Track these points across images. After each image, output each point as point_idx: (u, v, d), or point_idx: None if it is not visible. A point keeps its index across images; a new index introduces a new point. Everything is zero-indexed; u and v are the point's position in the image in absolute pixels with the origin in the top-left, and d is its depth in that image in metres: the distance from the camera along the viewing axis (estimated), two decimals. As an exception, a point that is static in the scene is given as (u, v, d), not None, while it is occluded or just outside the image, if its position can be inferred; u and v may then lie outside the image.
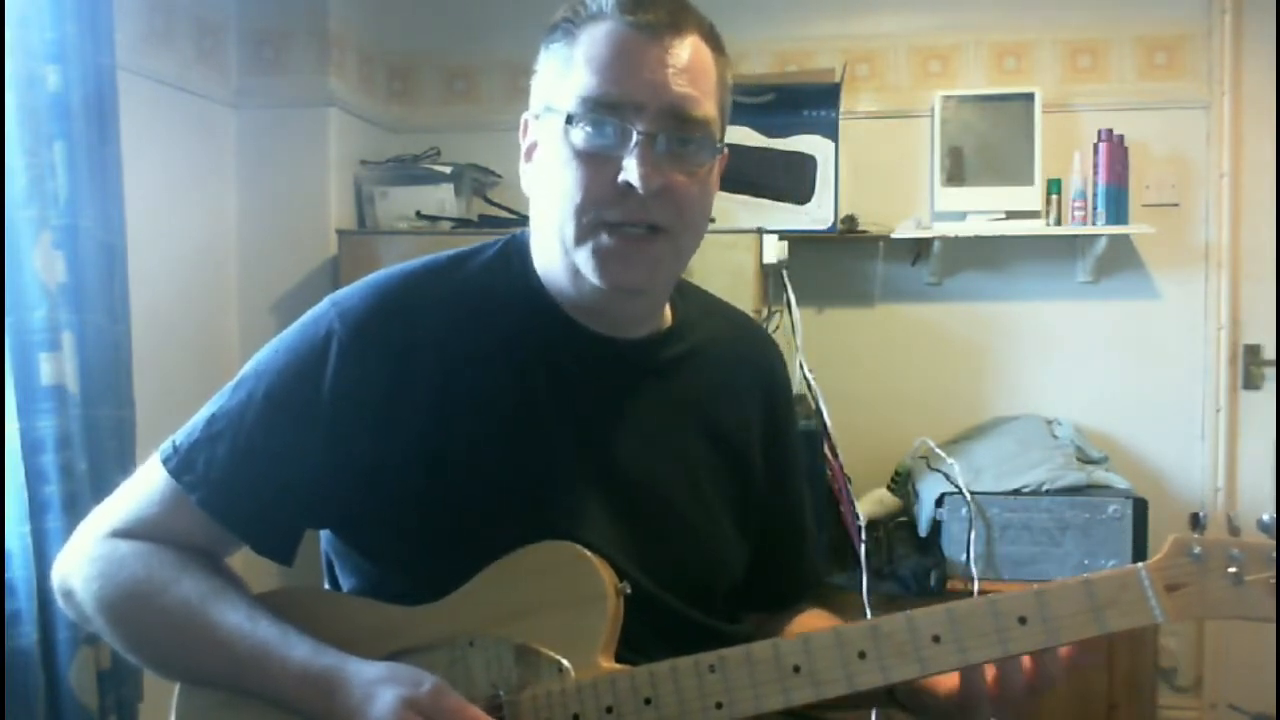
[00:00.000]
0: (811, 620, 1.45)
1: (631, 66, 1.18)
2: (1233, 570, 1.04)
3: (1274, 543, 1.03)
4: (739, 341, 1.45)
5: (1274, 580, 1.02)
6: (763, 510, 1.41)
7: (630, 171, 1.17)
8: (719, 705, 1.12)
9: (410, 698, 1.10)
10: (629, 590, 1.20)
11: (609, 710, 1.14)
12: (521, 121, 1.30)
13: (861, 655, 1.09)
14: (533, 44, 1.28)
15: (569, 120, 1.19)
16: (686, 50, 1.20)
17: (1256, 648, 3.17)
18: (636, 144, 1.17)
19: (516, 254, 1.33)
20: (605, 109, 1.18)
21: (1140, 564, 1.06)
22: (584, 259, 1.21)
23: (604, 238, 1.20)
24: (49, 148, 2.26)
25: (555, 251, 1.24)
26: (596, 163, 1.19)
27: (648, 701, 1.13)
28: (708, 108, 1.22)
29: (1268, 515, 1.03)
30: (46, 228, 2.24)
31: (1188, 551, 1.05)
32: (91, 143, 2.35)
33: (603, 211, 1.19)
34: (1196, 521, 1.07)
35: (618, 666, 1.17)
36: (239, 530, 1.25)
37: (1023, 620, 1.07)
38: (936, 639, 1.08)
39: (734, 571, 1.40)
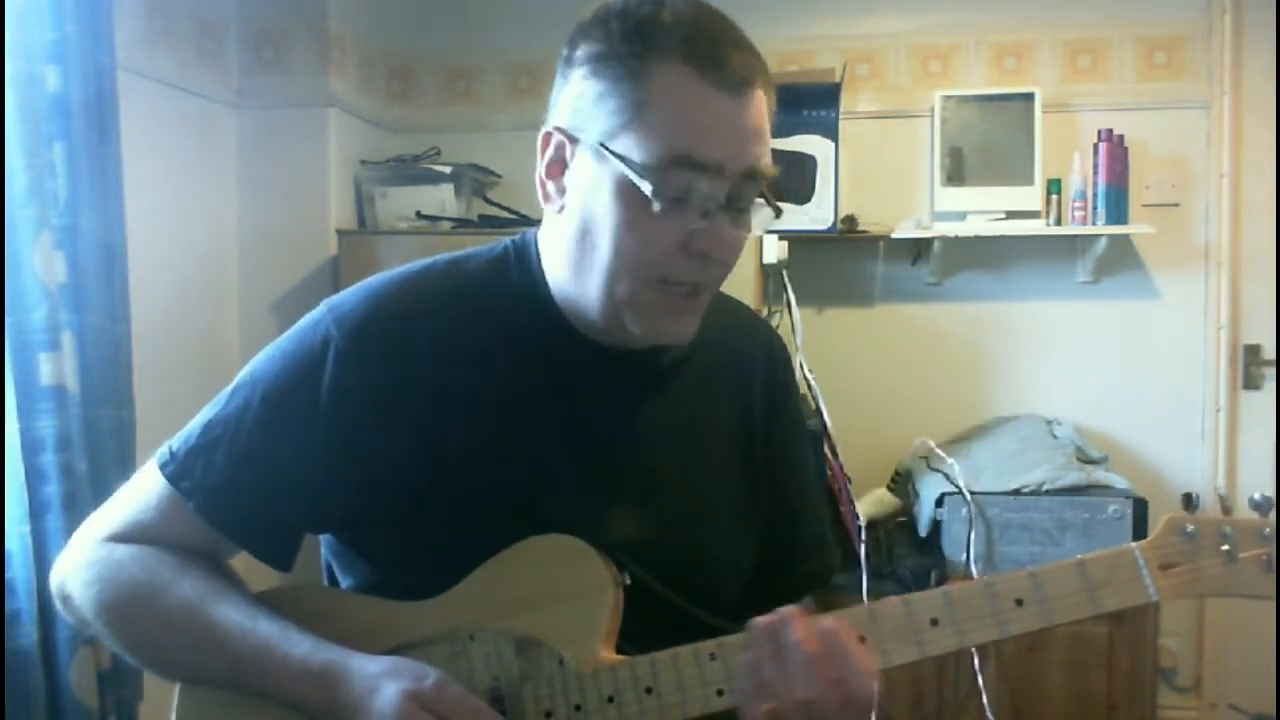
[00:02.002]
0: None
1: (715, 131, 1.14)
2: (1225, 548, 1.04)
3: (1266, 520, 1.04)
4: (737, 334, 1.44)
5: (1266, 557, 1.02)
6: (764, 502, 1.40)
7: (705, 241, 1.15)
8: (720, 692, 1.12)
9: (413, 691, 1.10)
10: (628, 581, 1.20)
11: (610, 700, 1.14)
12: (543, 134, 1.23)
13: (861, 639, 1.10)
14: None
15: (642, 180, 1.13)
16: (757, 105, 1.16)
17: (1256, 648, 3.17)
18: (711, 214, 1.14)
19: (518, 258, 1.31)
20: (686, 172, 1.13)
21: (1134, 543, 1.06)
22: (634, 314, 1.19)
23: (656, 297, 1.18)
24: (49, 148, 2.27)
25: (594, 292, 1.20)
26: (664, 226, 1.15)
27: (649, 690, 1.13)
28: (771, 161, 1.19)
29: (1259, 494, 1.03)
30: (46, 228, 2.24)
31: (1181, 530, 1.06)
32: (91, 143, 2.36)
33: (668, 272, 1.17)
34: (1190, 502, 1.07)
35: (618, 657, 1.17)
36: (237, 537, 1.25)
37: (1019, 602, 1.08)
38: (934, 622, 1.09)
39: (736, 570, 1.39)
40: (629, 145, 1.13)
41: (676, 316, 1.20)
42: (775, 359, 1.46)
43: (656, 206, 1.13)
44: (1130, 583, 1.05)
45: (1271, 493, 1.06)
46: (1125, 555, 1.06)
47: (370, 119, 3.55)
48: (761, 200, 1.19)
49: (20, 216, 2.20)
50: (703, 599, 1.32)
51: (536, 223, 1.32)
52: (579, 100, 1.18)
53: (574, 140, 1.19)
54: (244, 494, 1.23)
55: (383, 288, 1.28)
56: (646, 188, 1.12)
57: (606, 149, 1.15)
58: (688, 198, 1.13)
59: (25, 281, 2.21)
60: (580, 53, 1.18)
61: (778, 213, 1.22)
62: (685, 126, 1.13)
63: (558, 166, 1.21)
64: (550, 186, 1.22)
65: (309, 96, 3.29)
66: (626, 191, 1.14)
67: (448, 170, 3.34)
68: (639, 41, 1.14)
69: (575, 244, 1.20)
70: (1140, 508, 2.82)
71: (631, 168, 1.13)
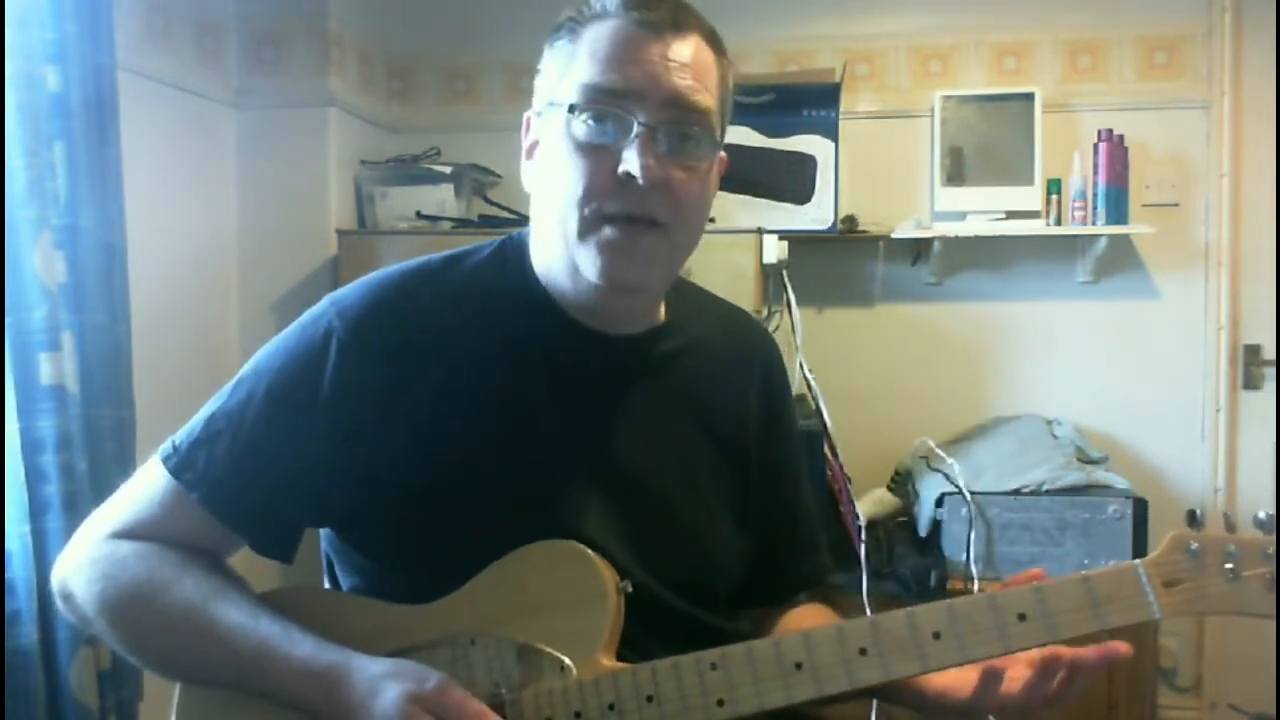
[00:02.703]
0: (805, 616, 1.44)
1: (634, 57, 1.19)
2: (1229, 566, 1.04)
3: (1269, 539, 1.03)
4: (734, 337, 1.45)
5: (1269, 576, 1.02)
6: (760, 505, 1.41)
7: (630, 162, 1.17)
8: (720, 702, 1.12)
9: (415, 693, 1.10)
10: (630, 588, 1.20)
11: (611, 708, 1.14)
12: (524, 120, 1.31)
13: (863, 652, 1.09)
14: (533, 44, 1.29)
15: (571, 111, 1.19)
16: (688, 47, 1.21)
17: (1256, 648, 3.17)
18: (637, 135, 1.18)
19: (514, 252, 1.34)
20: (607, 96, 1.19)
21: (1138, 560, 1.06)
22: (584, 255, 1.21)
23: (606, 231, 1.20)
24: (49, 148, 2.26)
25: (556, 247, 1.24)
26: (597, 154, 1.19)
27: (650, 699, 1.13)
28: (708, 100, 1.22)
29: (1264, 512, 1.03)
30: (46, 228, 2.23)
31: (1185, 548, 1.05)
32: (91, 143, 2.35)
33: (603, 203, 1.19)
34: (1194, 519, 1.07)
35: (619, 664, 1.17)
36: (239, 528, 1.25)
37: (1022, 617, 1.07)
38: (937, 635, 1.08)
39: (733, 569, 1.40)
40: (563, 91, 1.21)
41: (625, 253, 1.21)
42: (773, 367, 1.47)
43: (583, 134, 1.19)
44: (1134, 599, 1.05)
45: (1272, 495, 1.06)
46: (1129, 572, 1.06)
47: (370, 119, 3.54)
48: (699, 131, 1.22)
49: (20, 216, 2.19)
50: (698, 598, 1.33)
51: (535, 221, 1.34)
52: (540, 81, 1.27)
53: (538, 115, 1.27)
54: (246, 486, 1.24)
55: (384, 282, 1.30)
56: (573, 119, 1.19)
57: (551, 104, 1.23)
58: (615, 127, 1.19)
59: (25, 281, 2.21)
60: (546, 47, 1.27)
61: (715, 147, 1.26)
62: (601, 58, 1.20)
63: (533, 147, 1.29)
64: (528, 167, 1.30)
65: (309, 96, 3.28)
66: (563, 131, 1.21)
67: (448, 170, 3.34)
68: (576, 9, 1.24)
69: (540, 207, 1.27)
70: (1140, 508, 2.82)
71: (561, 108, 1.20)
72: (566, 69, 1.22)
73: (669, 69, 1.19)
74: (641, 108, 1.18)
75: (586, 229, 1.21)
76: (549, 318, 1.29)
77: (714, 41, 1.26)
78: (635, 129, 1.18)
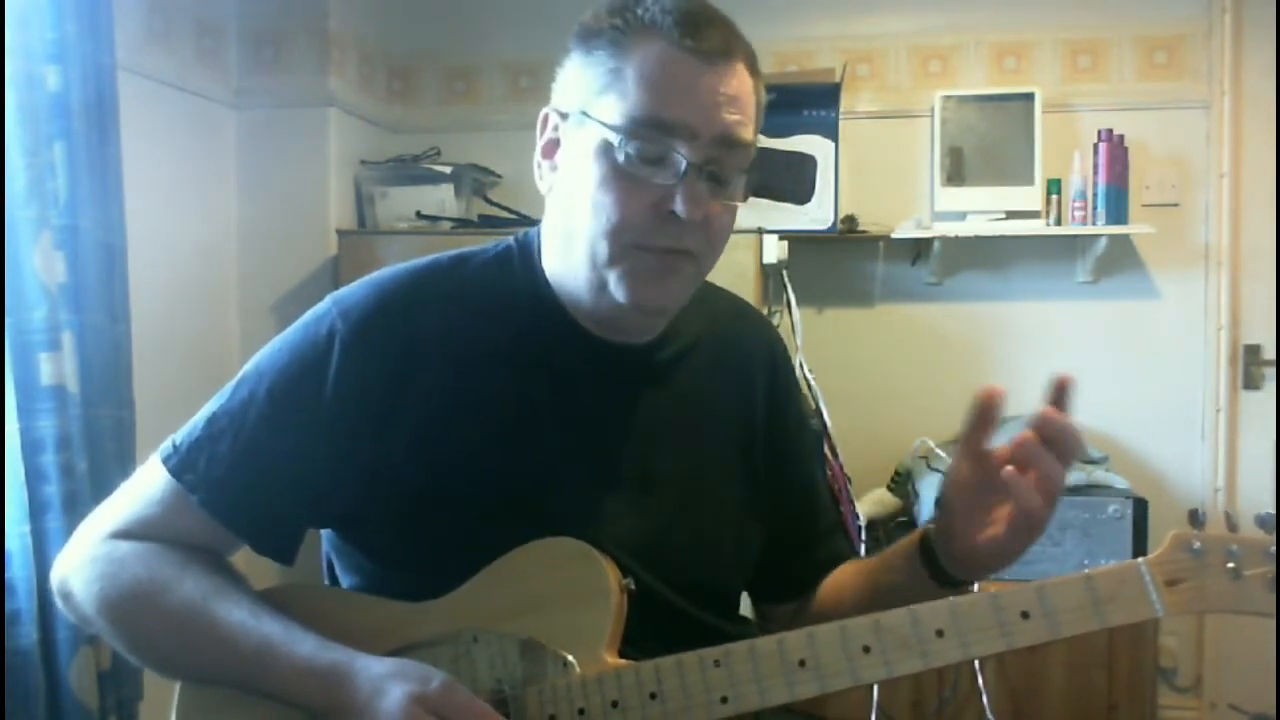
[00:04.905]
0: (840, 576, 1.44)
1: (687, 92, 1.17)
2: (1231, 565, 1.04)
3: (1271, 538, 1.03)
4: (736, 328, 1.44)
5: (1270, 575, 1.02)
6: (773, 495, 1.41)
7: (677, 203, 1.16)
8: (724, 699, 1.12)
9: (419, 693, 1.09)
10: (633, 586, 1.20)
11: (614, 705, 1.14)
12: (541, 115, 1.27)
13: (866, 649, 1.09)
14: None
15: (617, 137, 1.17)
16: (736, 79, 1.19)
17: (1256, 648, 3.17)
18: (684, 174, 1.16)
19: (521, 254, 1.32)
20: (657, 130, 1.16)
21: (1140, 559, 1.06)
22: (615, 279, 1.20)
23: (640, 258, 1.19)
24: (49, 148, 2.27)
25: (579, 263, 1.22)
26: (638, 185, 1.17)
27: (653, 696, 1.13)
28: (750, 133, 1.21)
29: (1266, 511, 1.03)
30: (46, 228, 2.24)
31: (1187, 547, 1.05)
32: (91, 143, 2.36)
33: (640, 236, 1.18)
34: (1196, 518, 1.07)
35: (622, 661, 1.16)
36: (240, 530, 1.25)
37: (1025, 615, 1.07)
38: (940, 633, 1.09)
39: (742, 571, 1.40)
40: (605, 109, 1.18)
41: (658, 279, 1.21)
42: (776, 355, 1.47)
43: (627, 163, 1.16)
44: (1136, 598, 1.05)
45: (1272, 495, 1.07)
46: (1131, 570, 1.06)
47: (370, 119, 3.54)
48: (741, 167, 1.21)
49: (20, 216, 2.20)
50: (703, 598, 1.32)
51: (537, 222, 1.34)
52: (569, 77, 1.23)
53: (564, 116, 1.23)
54: (247, 488, 1.23)
55: (388, 282, 1.29)
56: (619, 146, 1.16)
57: (586, 115, 1.19)
58: (660, 159, 1.17)
59: (25, 281, 2.21)
60: (575, 37, 1.23)
61: (753, 187, 1.24)
62: (656, 88, 1.16)
63: (552, 146, 1.26)
64: (545, 167, 1.27)
65: (309, 96, 3.28)
66: (603, 153, 1.18)
67: (448, 170, 3.34)
68: (620, 16, 1.19)
69: (563, 218, 1.24)
70: (1140, 508, 2.82)
71: (602, 128, 1.17)
72: (610, 87, 1.18)
73: (719, 105, 1.17)
74: (690, 146, 1.16)
75: (619, 256, 1.19)
76: (554, 321, 1.28)
77: (753, 64, 1.23)
78: (684, 167, 1.16)
